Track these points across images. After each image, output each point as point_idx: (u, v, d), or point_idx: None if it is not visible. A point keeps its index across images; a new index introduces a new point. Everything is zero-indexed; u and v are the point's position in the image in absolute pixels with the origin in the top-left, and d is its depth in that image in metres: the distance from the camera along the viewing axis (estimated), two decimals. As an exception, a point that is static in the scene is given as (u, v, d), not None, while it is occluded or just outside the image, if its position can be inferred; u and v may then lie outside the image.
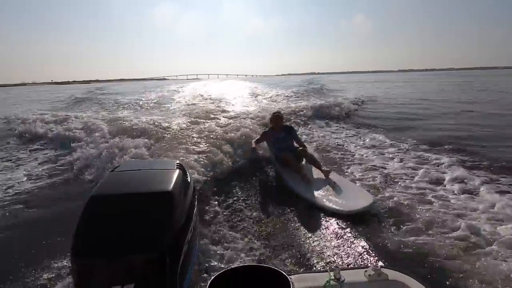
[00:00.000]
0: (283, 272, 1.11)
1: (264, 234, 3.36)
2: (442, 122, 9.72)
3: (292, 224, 3.58)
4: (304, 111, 10.73)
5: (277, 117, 5.55)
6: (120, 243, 1.14)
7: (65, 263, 2.80)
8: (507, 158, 5.54)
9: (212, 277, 1.10)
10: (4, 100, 28.36)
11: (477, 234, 3.07)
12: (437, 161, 5.51)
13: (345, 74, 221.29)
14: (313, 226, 3.47)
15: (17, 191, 4.90)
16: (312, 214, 3.75)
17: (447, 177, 4.69)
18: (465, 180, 4.54)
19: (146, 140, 6.75)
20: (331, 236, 3.26)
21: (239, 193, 4.47)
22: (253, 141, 5.81)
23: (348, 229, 3.33)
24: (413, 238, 3.11)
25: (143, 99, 18.88)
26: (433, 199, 3.98)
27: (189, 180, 1.56)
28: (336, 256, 2.91)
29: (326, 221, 3.55)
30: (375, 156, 6.05)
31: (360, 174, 5.07)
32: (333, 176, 4.57)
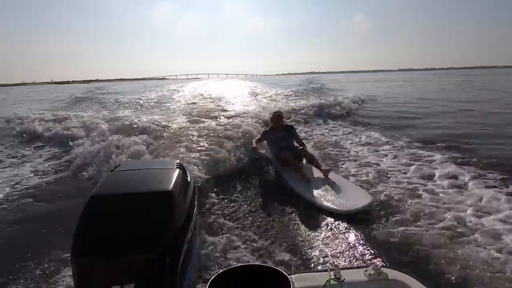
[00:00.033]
0: (283, 272, 1.11)
1: (264, 233, 3.36)
2: (439, 121, 9.85)
3: (292, 224, 3.58)
4: (304, 110, 10.80)
5: (277, 116, 5.56)
6: (120, 243, 1.14)
7: (65, 263, 2.81)
8: (497, 155, 5.70)
9: (212, 277, 1.10)
10: (4, 100, 28.35)
11: (463, 225, 3.31)
12: (430, 158, 5.65)
13: (345, 73, 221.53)
14: (313, 226, 3.47)
15: (17, 190, 4.91)
16: (312, 213, 3.75)
17: (438, 173, 4.84)
18: (456, 176, 4.69)
19: (146, 136, 6.81)
20: (331, 235, 3.26)
21: (239, 193, 4.47)
22: (254, 140, 5.82)
23: (347, 229, 3.34)
24: (408, 233, 3.16)
25: (143, 99, 18.90)
26: (423, 193, 4.15)
27: (189, 179, 1.56)
28: (336, 255, 2.91)
29: (326, 220, 3.55)
30: (370, 153, 6.21)
31: (355, 170, 5.20)
32: (332, 175, 4.57)
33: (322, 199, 3.94)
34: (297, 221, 3.61)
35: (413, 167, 5.17)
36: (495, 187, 4.28)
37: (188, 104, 15.36)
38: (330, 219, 3.55)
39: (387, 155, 5.99)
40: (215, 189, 4.42)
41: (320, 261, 2.83)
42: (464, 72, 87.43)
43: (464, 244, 2.96)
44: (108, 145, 6.24)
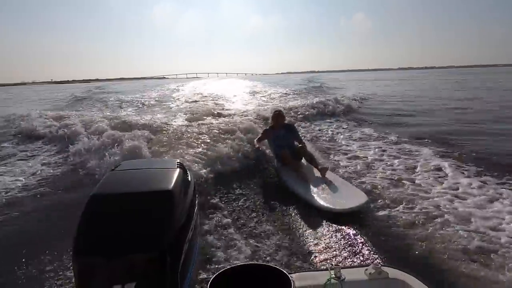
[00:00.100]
0: (284, 271, 1.12)
1: (265, 232, 3.37)
2: (430, 118, 10.20)
3: (293, 223, 3.58)
4: (303, 108, 10.91)
5: (277, 115, 5.56)
6: (121, 242, 1.14)
7: (66, 262, 2.81)
8: (478, 149, 6.11)
9: (213, 276, 1.11)
10: (4, 100, 28.33)
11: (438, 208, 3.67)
12: (417, 152, 6.02)
13: (345, 72, 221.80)
14: (314, 225, 3.47)
15: (17, 190, 4.91)
16: (313, 213, 3.75)
17: (419, 166, 5.21)
18: (438, 167, 5.07)
19: (147, 132, 6.90)
20: (331, 234, 3.26)
21: (240, 192, 4.47)
22: (255, 140, 5.83)
23: (347, 228, 3.34)
24: (407, 232, 3.18)
25: (143, 98, 18.94)
26: (406, 183, 4.51)
27: (189, 179, 1.56)
28: (336, 254, 2.91)
29: (326, 220, 3.55)
30: (360, 147, 6.61)
31: (344, 163, 5.58)
32: (329, 175, 4.60)
33: (318, 198, 3.96)
34: (298, 221, 3.62)
35: (399, 160, 5.57)
36: (469, 177, 4.62)
37: (188, 102, 15.37)
38: (330, 219, 3.55)
39: (376, 149, 6.34)
40: (215, 189, 4.42)
41: (321, 260, 2.83)
42: (464, 71, 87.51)
43: (464, 243, 2.99)
44: (108, 144, 6.27)
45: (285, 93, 18.56)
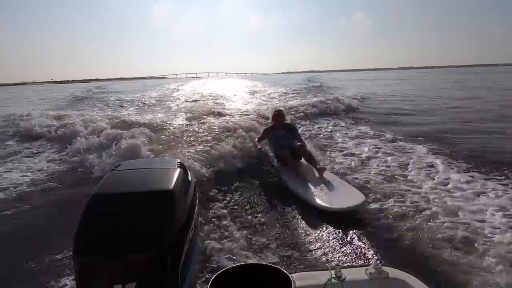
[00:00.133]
0: (284, 271, 1.12)
1: (265, 232, 3.37)
2: (428, 117, 10.30)
3: (294, 223, 3.59)
4: (302, 107, 10.95)
5: (278, 115, 5.56)
6: (122, 242, 1.14)
7: (67, 262, 2.81)
8: (471, 147, 6.28)
9: (214, 276, 1.11)
10: (4, 100, 28.32)
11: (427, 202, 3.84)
12: (411, 150, 6.16)
13: (345, 72, 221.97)
14: (314, 225, 3.48)
15: (17, 190, 4.92)
16: (313, 213, 3.75)
17: (412, 161, 5.39)
18: (430, 164, 5.23)
19: (148, 130, 6.92)
20: (331, 234, 3.26)
21: (240, 192, 4.47)
22: (255, 140, 5.83)
23: (347, 228, 3.34)
24: (406, 231, 3.20)
25: (143, 98, 18.93)
26: (399, 178, 4.68)
27: (190, 179, 1.56)
28: (336, 254, 2.92)
29: (326, 220, 3.55)
30: (356, 145, 6.78)
31: (340, 159, 5.74)
32: (328, 175, 4.61)
33: (317, 198, 3.97)
34: (298, 221, 3.62)
35: (393, 157, 5.72)
36: (458, 172, 4.80)
37: (188, 102, 15.38)
38: (330, 219, 3.55)
39: (371, 146, 6.49)
40: (216, 189, 4.42)
41: (321, 260, 2.83)
42: (464, 70, 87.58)
43: (462, 240, 3.03)
44: (108, 142, 6.30)
45: (285, 92, 18.57)
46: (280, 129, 5.38)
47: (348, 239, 3.14)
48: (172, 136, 6.83)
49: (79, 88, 37.57)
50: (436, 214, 3.53)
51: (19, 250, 3.22)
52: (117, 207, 1.25)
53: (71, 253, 1.12)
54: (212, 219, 3.60)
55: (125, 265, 1.11)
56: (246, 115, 9.27)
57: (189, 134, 6.71)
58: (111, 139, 6.63)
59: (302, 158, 5.08)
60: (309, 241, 3.17)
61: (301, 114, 10.28)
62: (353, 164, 5.41)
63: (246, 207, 4.01)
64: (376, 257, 2.80)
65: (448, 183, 4.41)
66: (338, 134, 7.95)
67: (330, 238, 3.19)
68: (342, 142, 7.06)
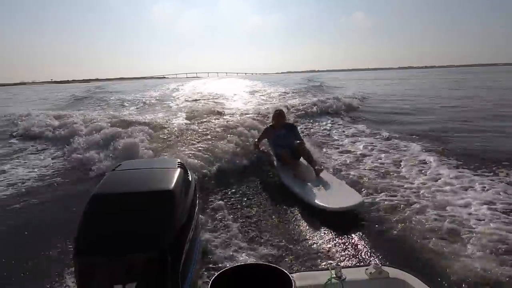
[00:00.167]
0: (285, 271, 1.12)
1: (265, 232, 3.37)
2: (425, 116, 10.38)
3: (294, 223, 3.59)
4: (302, 106, 10.99)
5: (278, 114, 5.57)
6: (122, 242, 1.14)
7: (67, 262, 2.81)
8: (464, 146, 6.44)
9: (214, 276, 1.11)
10: (4, 100, 28.32)
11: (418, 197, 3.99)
12: (406, 147, 6.31)
13: (345, 71, 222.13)
14: (314, 225, 3.47)
15: (18, 190, 4.91)
16: (313, 213, 3.75)
17: (405, 158, 5.56)
18: (423, 161, 5.38)
19: (147, 128, 6.95)
20: (331, 234, 3.26)
21: (240, 192, 4.47)
22: (255, 140, 5.83)
23: (347, 228, 3.35)
24: (405, 230, 3.19)
25: (143, 98, 18.93)
26: (392, 174, 4.88)
27: (190, 179, 1.56)
28: (336, 254, 2.92)
29: (326, 220, 3.54)
30: (352, 142, 6.95)
31: (336, 156, 5.88)
32: (326, 175, 4.63)
33: (315, 198, 3.97)
34: (299, 220, 3.62)
35: (387, 154, 5.89)
36: (449, 168, 4.97)
37: (189, 102, 15.40)
38: (330, 219, 3.54)
39: (366, 144, 6.64)
40: (216, 188, 4.43)
41: (321, 260, 2.83)
42: (464, 70, 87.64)
43: (462, 238, 3.05)
44: (108, 141, 6.32)
45: (285, 92, 18.57)
46: (280, 129, 5.39)
47: (348, 239, 3.15)
48: (172, 135, 6.84)
49: (79, 88, 37.59)
50: (424, 209, 3.68)
51: (19, 250, 3.22)
52: (118, 207, 1.25)
53: (71, 253, 1.12)
54: (212, 219, 3.60)
55: (126, 265, 1.12)
56: (246, 114, 9.28)
57: (189, 134, 6.72)
58: (110, 138, 6.67)
59: (302, 157, 5.08)
60: (310, 241, 3.16)
61: (301, 113, 10.34)
62: (348, 160, 5.59)
63: (247, 207, 4.01)
64: (376, 257, 2.80)
65: (440, 179, 4.56)
66: (335, 132, 8.16)
67: (331, 238, 3.19)
68: (340, 140, 7.23)
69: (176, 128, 7.55)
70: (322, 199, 3.91)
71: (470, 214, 3.51)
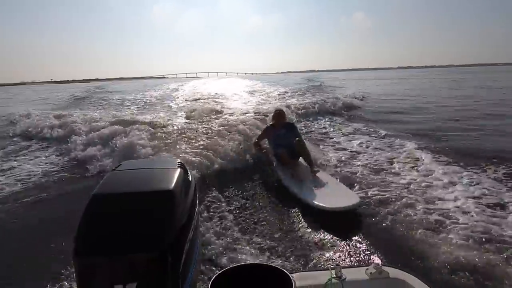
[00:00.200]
0: (285, 271, 1.12)
1: (265, 232, 3.37)
2: (423, 116, 10.51)
3: (295, 223, 3.59)
4: (301, 106, 11.02)
5: (278, 114, 5.57)
6: (122, 242, 1.14)
7: (67, 262, 2.81)
8: (455, 144, 6.60)
9: (214, 276, 1.11)
10: (5, 100, 28.31)
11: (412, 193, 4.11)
12: (401, 145, 6.44)
13: (345, 71, 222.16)
14: (314, 225, 3.48)
15: (18, 190, 4.91)
16: (313, 213, 3.75)
17: (401, 156, 5.74)
18: (418, 158, 5.51)
19: (147, 127, 6.99)
20: (331, 234, 3.26)
21: (240, 192, 4.48)
22: (255, 139, 5.83)
23: (346, 228, 3.36)
24: (405, 230, 3.19)
25: (143, 98, 18.94)
26: (387, 170, 5.04)
27: (190, 179, 1.56)
28: (336, 254, 2.92)
29: (325, 220, 3.55)
30: (348, 140, 7.15)
31: (331, 154, 6.05)
32: (323, 176, 4.64)
33: (313, 198, 3.98)
34: (299, 220, 3.63)
35: (382, 151, 6.06)
36: (440, 164, 5.13)
37: (189, 101, 15.41)
38: (331, 219, 3.55)
39: (362, 142, 6.84)
40: (216, 189, 4.42)
41: (321, 260, 2.83)
42: (464, 70, 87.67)
43: (461, 237, 3.07)
44: (107, 140, 6.34)
45: (284, 92, 18.59)
46: (280, 128, 5.39)
47: (348, 239, 3.15)
48: (172, 135, 6.84)
49: (79, 88, 37.58)
50: (425, 208, 3.71)
51: (19, 251, 3.22)
52: (118, 207, 1.25)
53: (71, 253, 1.12)
54: (213, 219, 3.60)
55: (126, 265, 1.11)
56: (246, 114, 9.28)
57: (189, 133, 6.72)
58: (110, 137, 6.70)
59: (300, 157, 5.08)
60: (310, 241, 3.16)
61: (300, 112, 10.42)
62: (343, 157, 5.80)
63: (246, 207, 4.01)
64: (376, 257, 2.80)
65: (431, 175, 4.70)
66: (331, 129, 8.45)
67: (331, 238, 3.19)
68: (336, 138, 7.44)
69: (176, 128, 7.55)
70: (320, 199, 3.92)
71: (469, 214, 3.50)
